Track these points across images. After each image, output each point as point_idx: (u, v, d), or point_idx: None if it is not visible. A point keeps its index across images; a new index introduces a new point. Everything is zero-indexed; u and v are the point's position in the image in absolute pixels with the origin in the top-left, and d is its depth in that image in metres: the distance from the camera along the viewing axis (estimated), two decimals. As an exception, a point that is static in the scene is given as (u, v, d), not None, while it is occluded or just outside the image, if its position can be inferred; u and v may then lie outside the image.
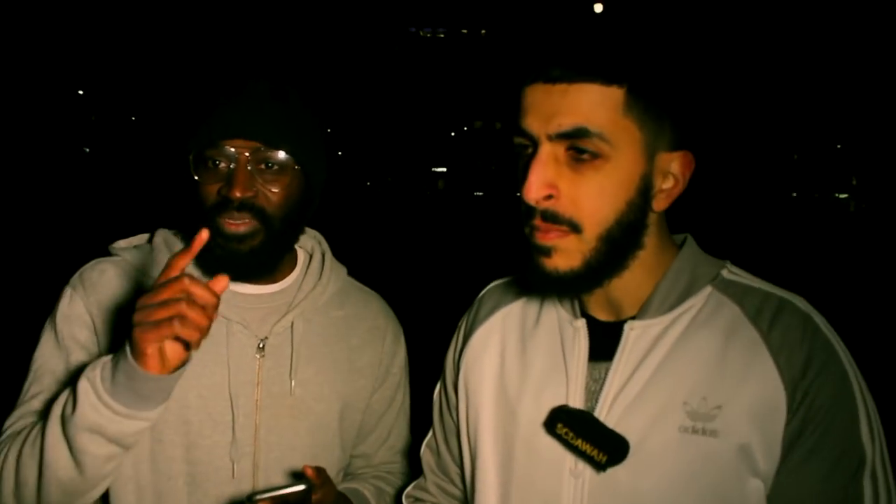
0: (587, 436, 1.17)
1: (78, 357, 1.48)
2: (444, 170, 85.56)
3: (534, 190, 1.14)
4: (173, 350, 1.24)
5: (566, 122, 1.13)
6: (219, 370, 1.49)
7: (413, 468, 1.76)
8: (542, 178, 1.14)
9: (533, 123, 1.15)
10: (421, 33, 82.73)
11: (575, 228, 1.15)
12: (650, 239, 1.23)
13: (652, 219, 1.22)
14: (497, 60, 79.42)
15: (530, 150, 1.18)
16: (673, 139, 1.19)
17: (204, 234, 1.21)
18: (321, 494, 1.35)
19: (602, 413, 1.21)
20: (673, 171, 1.19)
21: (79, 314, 1.50)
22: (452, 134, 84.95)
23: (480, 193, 68.55)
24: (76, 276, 1.55)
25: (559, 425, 1.22)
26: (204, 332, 1.21)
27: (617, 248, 1.17)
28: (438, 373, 1.57)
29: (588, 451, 1.16)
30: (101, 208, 18.53)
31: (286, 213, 1.48)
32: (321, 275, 1.65)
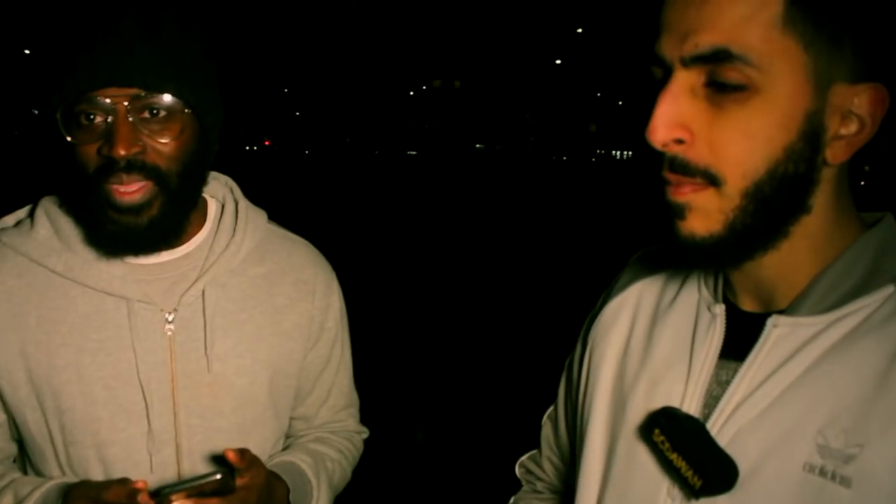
0: (687, 451, 0.95)
1: None
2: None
3: (660, 129, 0.89)
4: None
5: (703, 42, 0.85)
6: (124, 355, 1.32)
7: (382, 412, 1.66)
8: (671, 114, 0.88)
9: (666, 45, 0.89)
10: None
11: (713, 181, 0.89)
12: (821, 203, 0.92)
13: (825, 175, 0.91)
14: (459, 18, 79.05)
15: (663, 80, 0.91)
16: (856, 67, 0.87)
17: (142, 498, 1.15)
18: (248, 478, 1.23)
19: (716, 426, 0.96)
20: (857, 111, 0.88)
21: None
22: (411, 93, 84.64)
23: (414, 152, 68.61)
24: None
25: (656, 431, 1.00)
26: None
27: (771, 208, 0.89)
28: (374, 325, 1.41)
29: (683, 469, 0.93)
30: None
31: (184, 167, 1.27)
32: (235, 229, 1.45)
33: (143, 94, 1.21)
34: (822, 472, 0.87)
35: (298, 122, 75.81)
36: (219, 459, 1.37)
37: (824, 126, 0.88)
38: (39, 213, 1.38)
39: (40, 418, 1.31)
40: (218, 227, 1.45)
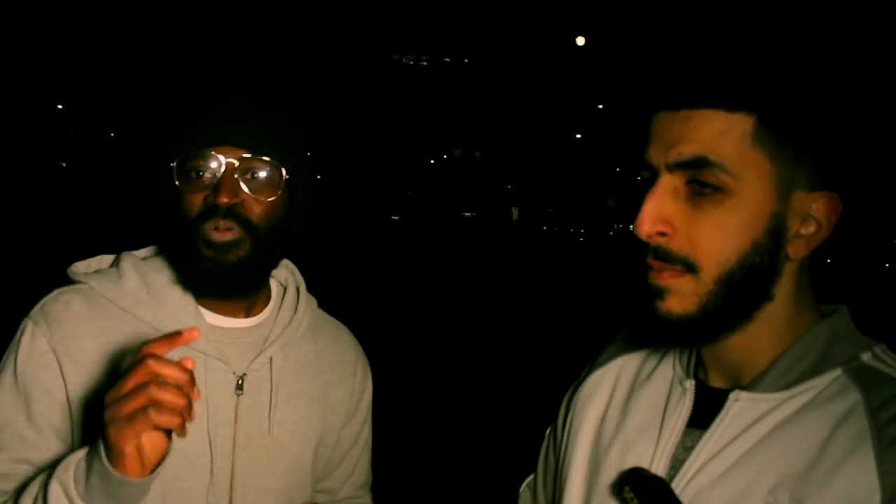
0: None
1: (41, 405, 1.36)
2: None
3: (646, 224, 1.03)
4: (153, 443, 1.16)
5: (686, 151, 1.01)
6: (196, 409, 1.32)
7: (375, 500, 1.80)
8: (656, 211, 1.04)
9: (654, 153, 1.05)
10: (404, 60, 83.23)
11: (690, 268, 1.03)
12: (783, 292, 1.07)
13: (787, 268, 1.06)
14: (478, 89, 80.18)
15: (650, 181, 1.07)
16: (814, 178, 1.03)
17: (195, 333, 1.13)
18: None
19: (680, 485, 1.09)
20: (814, 215, 1.03)
21: (41, 353, 1.37)
22: (432, 161, 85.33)
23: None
24: (37, 307, 1.43)
25: (626, 488, 1.11)
26: (185, 413, 1.12)
27: (739, 293, 1.03)
28: (400, 405, 1.47)
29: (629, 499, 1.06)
30: (77, 226, 18.29)
31: (271, 225, 1.42)
32: (296, 307, 1.59)
33: (249, 155, 1.38)
34: None
35: (320, 185, 76.69)
36: None
37: (786, 226, 1.03)
38: (126, 266, 1.48)
39: None
40: (281, 304, 1.59)
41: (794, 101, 1.00)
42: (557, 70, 79.32)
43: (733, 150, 1.00)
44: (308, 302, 1.63)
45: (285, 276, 1.65)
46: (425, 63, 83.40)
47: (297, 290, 1.63)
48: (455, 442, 6.02)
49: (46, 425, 1.36)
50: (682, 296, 1.05)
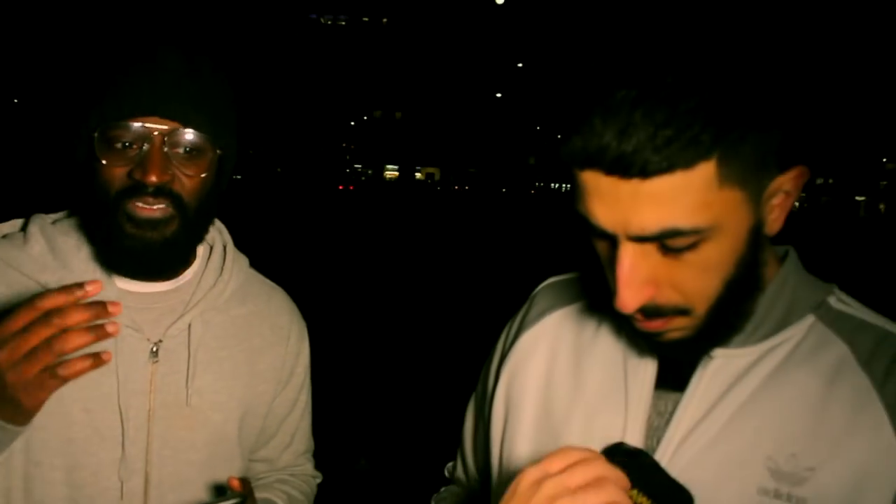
0: (641, 483, 0.94)
1: None
2: (348, 158, 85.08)
3: (631, 303, 0.91)
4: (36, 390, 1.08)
5: (649, 227, 0.87)
6: (106, 380, 1.32)
7: (327, 439, 1.79)
8: (635, 284, 0.91)
9: (604, 218, 0.90)
10: (322, 20, 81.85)
11: (682, 312, 0.95)
12: (765, 266, 1.01)
13: (765, 248, 1.01)
14: (397, 50, 79.39)
15: (609, 241, 0.94)
16: (781, 163, 0.94)
17: (97, 287, 1.04)
18: None
19: (664, 457, 1.00)
20: (784, 188, 0.96)
21: None
22: (352, 123, 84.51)
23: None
24: None
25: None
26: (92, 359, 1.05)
27: (735, 306, 0.97)
28: (334, 368, 1.44)
29: (642, 503, 0.94)
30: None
31: (201, 201, 1.32)
32: (222, 269, 1.48)
33: (181, 129, 1.27)
34: (777, 495, 0.93)
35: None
36: (214, 491, 1.41)
37: (764, 221, 0.95)
38: (33, 229, 1.39)
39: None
40: (206, 266, 1.48)
41: (750, 123, 0.87)
42: (477, 29, 79.04)
43: (700, 204, 0.86)
44: (237, 262, 1.52)
45: (213, 234, 1.53)
46: (343, 23, 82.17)
47: (225, 249, 1.53)
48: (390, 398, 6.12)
49: None
50: (677, 331, 0.97)
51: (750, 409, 0.97)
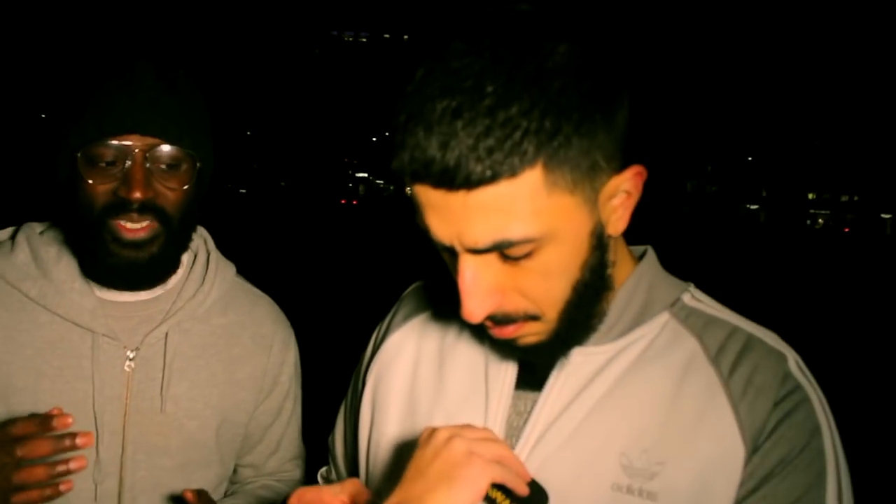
0: (500, 483, 0.94)
1: None
2: (366, 175, 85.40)
3: (477, 313, 0.92)
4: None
5: (481, 240, 0.86)
6: (82, 385, 1.37)
7: (307, 474, 1.70)
8: (479, 293, 0.91)
9: (439, 231, 0.89)
10: (344, 37, 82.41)
11: (533, 318, 0.95)
12: (614, 267, 1.01)
13: (612, 245, 0.99)
14: (418, 66, 79.49)
15: (448, 250, 0.93)
16: (613, 167, 0.92)
17: (68, 420, 1.10)
18: None
19: (522, 454, 1.00)
20: (623, 188, 0.94)
21: None
22: (374, 139, 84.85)
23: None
24: None
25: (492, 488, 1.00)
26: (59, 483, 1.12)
27: (586, 307, 0.97)
28: (341, 378, 1.40)
29: (499, 500, 0.94)
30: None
31: (185, 213, 1.36)
32: (204, 279, 1.51)
33: (161, 144, 1.30)
34: (629, 490, 0.94)
35: (259, 165, 75.55)
36: (169, 501, 1.43)
37: (604, 223, 0.93)
38: (20, 238, 1.43)
39: None
40: (189, 275, 1.50)
41: (572, 128, 0.85)
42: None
43: (530, 212, 0.85)
44: (221, 271, 1.54)
45: (196, 243, 1.54)
46: (365, 40, 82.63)
47: (208, 258, 1.55)
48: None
49: None
50: (532, 335, 0.97)
51: (604, 407, 0.98)
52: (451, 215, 0.86)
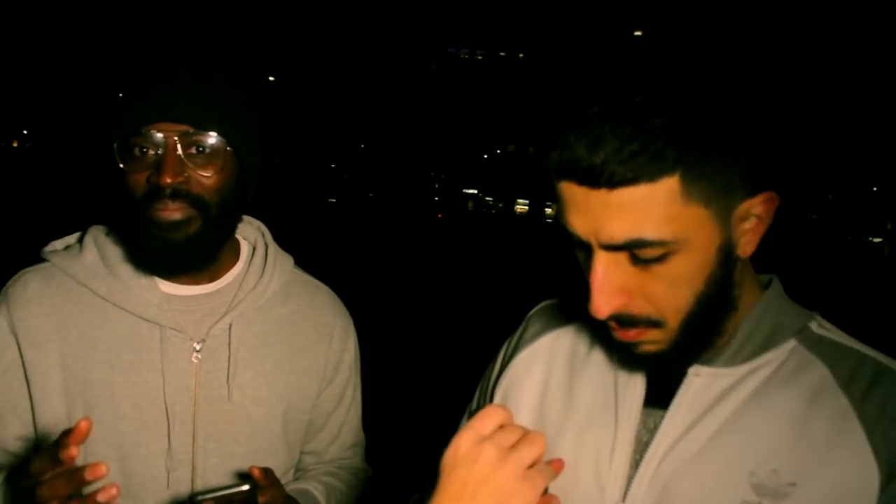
0: None
1: (1, 381, 1.42)
2: (475, 191, 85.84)
3: (603, 309, 0.96)
4: None
5: (616, 236, 0.92)
6: (153, 378, 1.42)
7: (373, 460, 1.79)
8: (608, 290, 0.96)
9: (579, 226, 0.95)
10: (460, 54, 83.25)
11: (655, 324, 0.98)
12: (740, 290, 1.04)
13: (738, 267, 1.02)
14: (533, 84, 79.81)
15: (585, 250, 0.99)
16: (748, 190, 0.97)
17: (83, 425, 1.09)
18: (269, 496, 1.29)
19: (649, 470, 1.03)
20: (754, 213, 0.99)
21: (1, 334, 1.43)
22: (485, 156, 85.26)
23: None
24: (2, 291, 1.47)
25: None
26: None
27: (707, 323, 1.00)
28: (405, 366, 1.38)
29: None
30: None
31: (222, 200, 1.39)
32: (264, 270, 1.56)
33: (191, 130, 1.34)
34: None
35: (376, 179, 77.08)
36: (237, 477, 1.47)
37: (733, 242, 0.98)
38: (88, 239, 1.50)
39: (64, 428, 1.32)
40: (248, 267, 1.56)
41: (712, 144, 0.92)
42: (612, 63, 78.58)
43: (665, 217, 0.91)
44: (279, 263, 1.59)
45: (255, 236, 1.62)
46: (480, 57, 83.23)
47: (266, 250, 1.61)
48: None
49: (4, 403, 1.41)
50: (653, 343, 1.01)
51: (733, 426, 1.00)
52: (591, 212, 0.93)
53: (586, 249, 0.97)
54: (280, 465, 1.54)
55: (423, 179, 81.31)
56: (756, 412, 1.00)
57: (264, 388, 1.50)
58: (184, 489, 1.44)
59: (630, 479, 1.04)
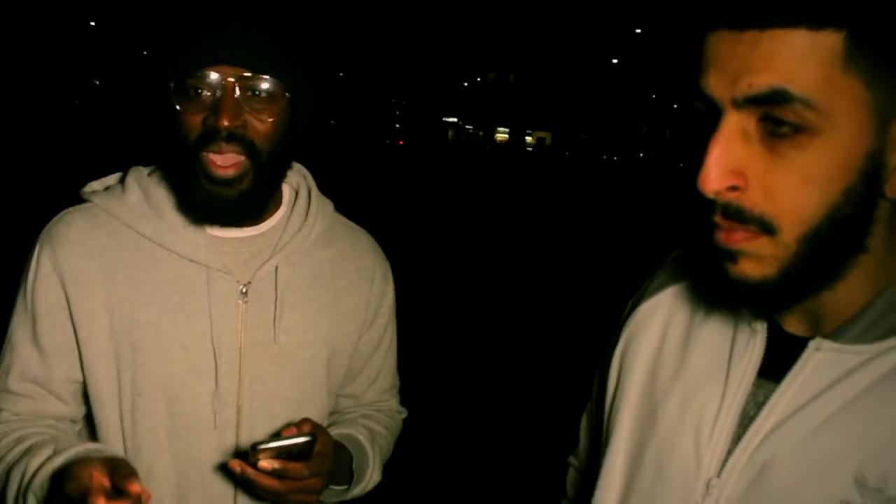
0: None
1: (45, 326, 1.44)
2: (455, 120, 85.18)
3: (713, 179, 0.84)
4: None
5: (759, 82, 0.81)
6: (200, 319, 1.43)
7: (403, 402, 1.79)
8: (725, 162, 0.84)
9: (715, 84, 0.84)
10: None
11: (768, 229, 0.85)
12: (877, 240, 0.89)
13: (881, 211, 0.87)
14: (513, 12, 78.58)
15: (711, 120, 0.87)
16: None
17: (136, 489, 1.13)
18: (321, 445, 1.33)
19: (749, 447, 0.94)
20: None
21: (45, 274, 1.43)
22: (465, 84, 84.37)
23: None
24: (45, 230, 1.47)
25: None
26: None
27: (828, 251, 0.86)
28: (428, 312, 1.41)
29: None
30: (107, 146, 18.23)
31: (275, 146, 1.38)
32: (307, 214, 1.56)
33: (250, 74, 1.33)
34: None
35: (350, 109, 76.03)
36: (280, 421, 1.47)
37: (885, 162, 0.84)
38: (130, 180, 1.48)
39: (112, 369, 1.39)
40: (292, 211, 1.56)
41: (891, 6, 0.79)
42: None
43: (819, 77, 0.79)
44: (321, 207, 1.59)
45: (297, 180, 1.61)
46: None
47: (309, 194, 1.60)
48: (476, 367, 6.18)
49: (50, 345, 1.41)
50: (758, 259, 0.87)
51: (849, 413, 0.88)
52: (734, 60, 0.82)
53: (712, 123, 0.86)
54: (321, 409, 1.56)
55: (385, 107, 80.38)
56: (878, 402, 0.87)
57: (310, 331, 1.51)
58: (230, 430, 1.46)
59: (729, 453, 0.95)
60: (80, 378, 1.43)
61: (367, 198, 12.25)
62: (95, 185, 1.53)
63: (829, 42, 0.78)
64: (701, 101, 0.87)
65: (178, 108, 1.34)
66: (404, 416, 1.79)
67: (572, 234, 14.33)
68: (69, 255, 1.42)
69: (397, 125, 79.88)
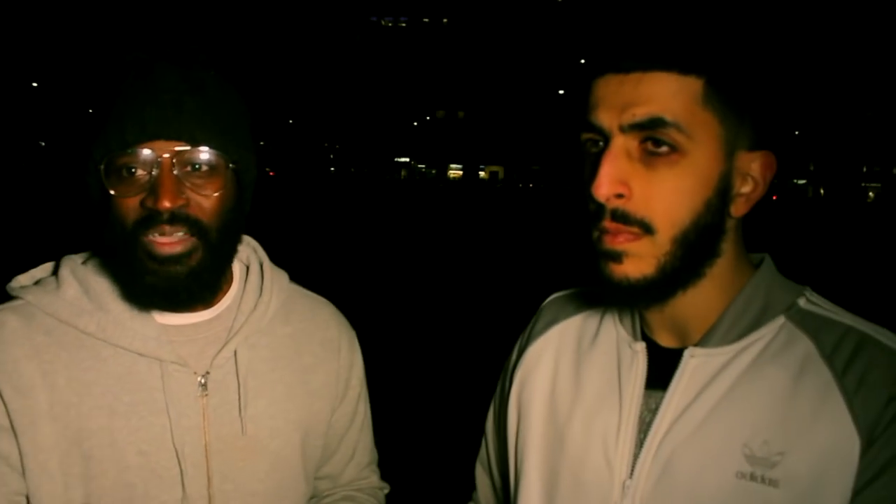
0: None
1: None
2: (407, 159, 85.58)
3: (605, 186, 1.03)
4: None
5: (641, 112, 1.03)
6: (158, 419, 1.29)
7: (385, 477, 1.68)
8: (614, 173, 1.04)
9: (604, 116, 1.05)
10: (382, 22, 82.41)
11: (647, 230, 1.05)
12: (727, 248, 1.11)
13: (730, 225, 1.10)
14: (458, 50, 79.54)
15: (601, 144, 1.07)
16: (753, 138, 1.08)
17: None
18: None
19: (652, 448, 1.11)
20: (752, 174, 1.09)
21: None
22: (415, 123, 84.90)
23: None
24: None
25: None
26: None
27: (693, 252, 1.07)
28: (397, 373, 1.40)
29: None
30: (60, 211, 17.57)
31: (223, 221, 1.27)
32: (262, 289, 1.44)
33: (188, 148, 1.22)
34: (753, 478, 1.03)
35: (301, 150, 76.21)
36: None
37: (731, 185, 1.07)
38: (64, 273, 1.34)
39: (57, 487, 1.24)
40: (245, 288, 1.44)
41: (739, 65, 1.06)
42: (537, 26, 78.76)
43: (686, 109, 1.02)
44: (276, 280, 1.48)
45: (247, 254, 1.49)
46: (404, 24, 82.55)
47: (262, 267, 1.48)
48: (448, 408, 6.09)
49: None
50: (639, 259, 1.06)
51: (726, 403, 1.07)
52: (620, 96, 1.04)
53: (603, 142, 1.06)
54: (300, 498, 1.46)
55: (318, 151, 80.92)
56: (747, 388, 1.07)
57: (279, 416, 1.39)
58: None
59: (636, 457, 1.11)
60: (24, 488, 1.26)
61: (321, 254, 12.15)
62: (23, 279, 1.38)
63: (693, 85, 1.02)
64: (591, 131, 1.07)
65: (111, 192, 1.21)
66: (386, 491, 1.67)
67: (532, 260, 14.36)
68: (4, 359, 1.26)
69: (332, 168, 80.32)
